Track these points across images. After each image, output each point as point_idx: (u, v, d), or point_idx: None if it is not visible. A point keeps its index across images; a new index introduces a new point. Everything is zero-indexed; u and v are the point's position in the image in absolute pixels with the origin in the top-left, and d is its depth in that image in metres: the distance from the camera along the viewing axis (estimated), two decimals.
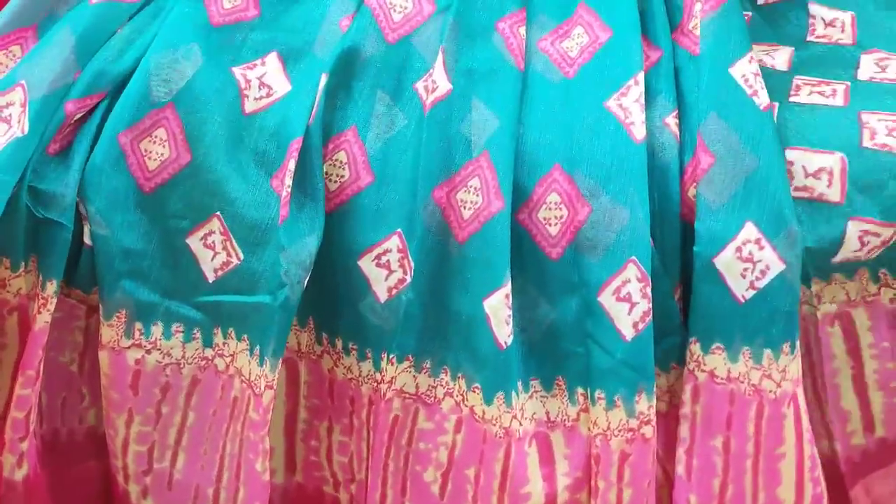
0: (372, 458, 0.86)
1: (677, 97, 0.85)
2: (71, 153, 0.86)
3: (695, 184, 0.82)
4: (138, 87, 0.86)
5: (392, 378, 0.85)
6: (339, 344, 0.88)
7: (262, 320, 0.84)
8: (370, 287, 0.85)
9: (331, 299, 0.86)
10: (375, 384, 0.86)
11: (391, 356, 0.84)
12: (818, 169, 0.82)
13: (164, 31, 0.88)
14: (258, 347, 0.85)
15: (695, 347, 0.81)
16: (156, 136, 0.86)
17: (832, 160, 0.82)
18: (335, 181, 0.86)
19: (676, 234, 0.83)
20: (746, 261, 0.80)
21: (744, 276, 0.80)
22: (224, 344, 0.88)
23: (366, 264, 0.85)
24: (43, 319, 0.85)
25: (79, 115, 0.87)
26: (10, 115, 0.86)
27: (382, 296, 0.85)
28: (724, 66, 0.85)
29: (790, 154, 0.82)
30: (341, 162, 0.86)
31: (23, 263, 0.86)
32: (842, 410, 0.87)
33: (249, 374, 0.86)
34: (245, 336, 0.86)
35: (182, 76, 0.87)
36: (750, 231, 0.80)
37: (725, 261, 0.80)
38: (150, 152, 0.86)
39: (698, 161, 0.82)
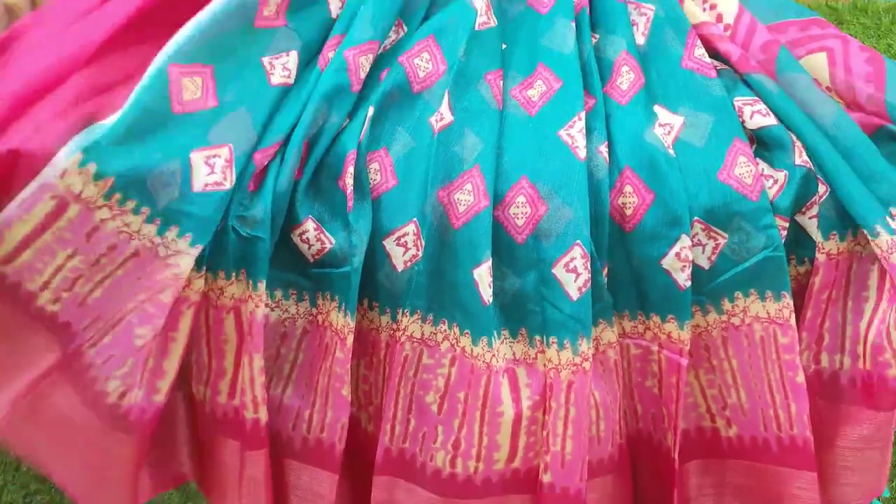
0: (386, 386, 1.03)
1: (607, 133, 1.04)
2: (264, 187, 1.02)
3: (621, 195, 1.02)
4: (296, 137, 1.04)
5: (405, 327, 1.02)
6: (366, 302, 1.05)
7: (347, 284, 1.01)
8: (389, 260, 1.01)
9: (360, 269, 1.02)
10: (392, 332, 1.03)
11: (405, 311, 1.02)
12: None
13: (315, 97, 1.05)
14: (344, 304, 1.01)
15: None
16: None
17: None
18: (370, 183, 1.03)
19: (605, 230, 1.02)
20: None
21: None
22: (322, 304, 1.04)
23: (389, 244, 1.01)
24: (261, 312, 1.00)
25: (266, 162, 1.03)
26: (215, 163, 1.00)
27: (399, 267, 1.01)
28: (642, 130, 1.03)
29: None
30: (375, 170, 1.04)
31: (234, 274, 1.01)
32: None
33: (337, 324, 1.02)
34: (336, 297, 1.02)
35: (315, 126, 1.05)
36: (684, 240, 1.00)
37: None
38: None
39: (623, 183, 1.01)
